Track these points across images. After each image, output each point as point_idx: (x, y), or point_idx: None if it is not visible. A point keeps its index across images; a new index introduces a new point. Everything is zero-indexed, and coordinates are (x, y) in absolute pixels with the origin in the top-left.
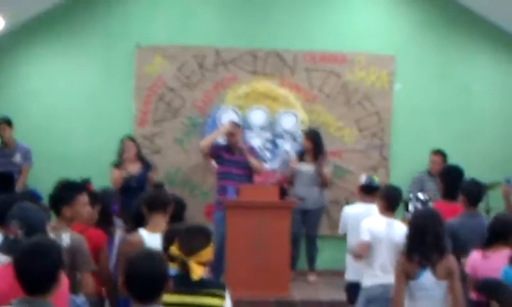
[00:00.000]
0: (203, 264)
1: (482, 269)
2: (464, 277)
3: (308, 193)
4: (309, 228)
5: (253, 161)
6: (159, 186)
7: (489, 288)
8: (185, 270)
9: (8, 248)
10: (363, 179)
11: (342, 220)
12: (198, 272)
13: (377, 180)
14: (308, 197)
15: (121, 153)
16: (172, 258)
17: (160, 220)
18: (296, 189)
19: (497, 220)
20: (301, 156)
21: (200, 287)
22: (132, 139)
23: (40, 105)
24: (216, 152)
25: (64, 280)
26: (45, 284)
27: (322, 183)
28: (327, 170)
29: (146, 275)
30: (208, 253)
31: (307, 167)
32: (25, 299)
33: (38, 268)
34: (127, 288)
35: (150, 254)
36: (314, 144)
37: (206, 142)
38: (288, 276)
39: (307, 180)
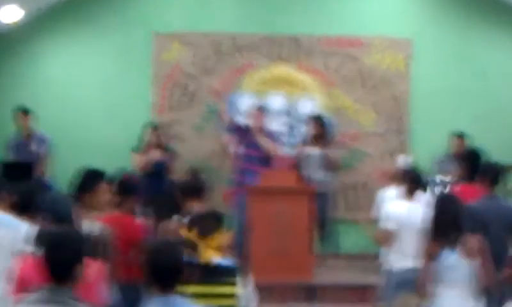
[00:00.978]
0: (215, 248)
1: None
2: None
3: (314, 176)
4: (320, 212)
5: (264, 143)
6: (194, 172)
7: None
8: (195, 252)
9: (38, 239)
10: (400, 161)
11: (376, 205)
12: (209, 255)
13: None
14: (317, 180)
15: (143, 139)
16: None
17: (197, 206)
18: (303, 173)
19: None
20: (308, 140)
21: (212, 276)
22: (154, 127)
23: (58, 94)
24: (236, 130)
25: (95, 268)
26: (68, 273)
27: (332, 167)
28: (336, 154)
29: (165, 264)
30: (219, 237)
31: (314, 151)
32: (49, 286)
33: (60, 258)
34: (147, 276)
35: (168, 243)
36: (323, 129)
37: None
38: (311, 260)
39: (313, 164)
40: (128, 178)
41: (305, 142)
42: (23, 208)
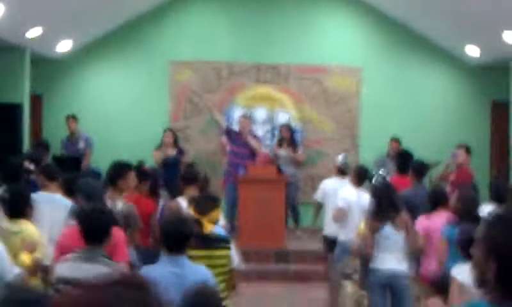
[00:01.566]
0: (213, 222)
1: (425, 228)
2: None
3: (286, 171)
4: (289, 197)
5: (252, 142)
6: (191, 165)
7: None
8: (199, 227)
9: (75, 214)
10: (339, 160)
11: (321, 190)
12: (209, 228)
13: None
14: (285, 173)
15: (162, 139)
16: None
17: (193, 191)
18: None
19: (435, 191)
20: (279, 144)
21: (211, 242)
22: (171, 130)
23: (98, 106)
24: (229, 133)
25: (120, 235)
26: (100, 237)
27: (297, 164)
28: (300, 153)
29: (176, 233)
30: (216, 214)
31: (285, 152)
32: (87, 248)
33: (95, 226)
34: (162, 242)
35: (180, 217)
36: (291, 134)
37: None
38: (283, 232)
39: (286, 161)
40: (144, 168)
41: (278, 145)
42: (68, 190)
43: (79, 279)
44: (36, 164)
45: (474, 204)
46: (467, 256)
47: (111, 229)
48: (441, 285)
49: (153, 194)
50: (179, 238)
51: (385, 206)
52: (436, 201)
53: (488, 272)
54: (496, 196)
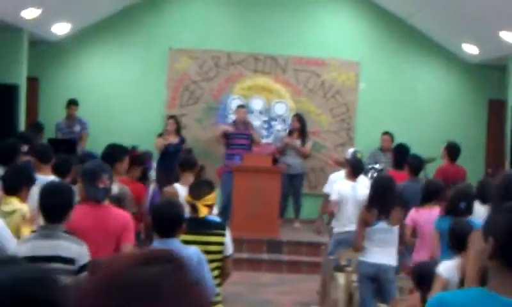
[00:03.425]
0: (208, 206)
1: (416, 221)
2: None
3: (295, 162)
4: (295, 188)
5: (254, 134)
6: (188, 151)
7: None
8: (194, 211)
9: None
10: (349, 152)
11: (328, 183)
12: (204, 211)
13: (360, 155)
14: (294, 165)
15: (165, 127)
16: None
17: (189, 177)
18: (287, 159)
19: (429, 184)
20: (289, 134)
21: (206, 228)
22: (174, 118)
23: (96, 90)
24: (228, 130)
25: (128, 217)
26: (59, 215)
27: (304, 155)
28: (308, 145)
29: (166, 217)
30: (212, 198)
31: (295, 142)
32: (46, 225)
33: (54, 204)
34: (153, 226)
35: (171, 201)
36: (301, 125)
37: (219, 131)
38: (278, 222)
39: (295, 152)
40: (137, 153)
41: (289, 135)
42: (60, 172)
43: (39, 256)
44: (29, 145)
45: (464, 198)
46: (457, 247)
47: (70, 208)
48: (420, 279)
49: (143, 179)
50: (170, 221)
51: (386, 201)
52: (430, 194)
53: (486, 253)
54: (481, 195)
